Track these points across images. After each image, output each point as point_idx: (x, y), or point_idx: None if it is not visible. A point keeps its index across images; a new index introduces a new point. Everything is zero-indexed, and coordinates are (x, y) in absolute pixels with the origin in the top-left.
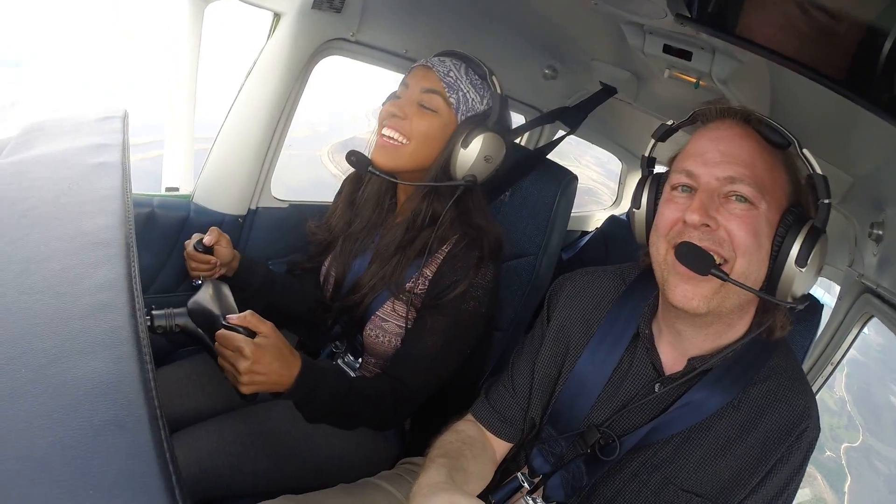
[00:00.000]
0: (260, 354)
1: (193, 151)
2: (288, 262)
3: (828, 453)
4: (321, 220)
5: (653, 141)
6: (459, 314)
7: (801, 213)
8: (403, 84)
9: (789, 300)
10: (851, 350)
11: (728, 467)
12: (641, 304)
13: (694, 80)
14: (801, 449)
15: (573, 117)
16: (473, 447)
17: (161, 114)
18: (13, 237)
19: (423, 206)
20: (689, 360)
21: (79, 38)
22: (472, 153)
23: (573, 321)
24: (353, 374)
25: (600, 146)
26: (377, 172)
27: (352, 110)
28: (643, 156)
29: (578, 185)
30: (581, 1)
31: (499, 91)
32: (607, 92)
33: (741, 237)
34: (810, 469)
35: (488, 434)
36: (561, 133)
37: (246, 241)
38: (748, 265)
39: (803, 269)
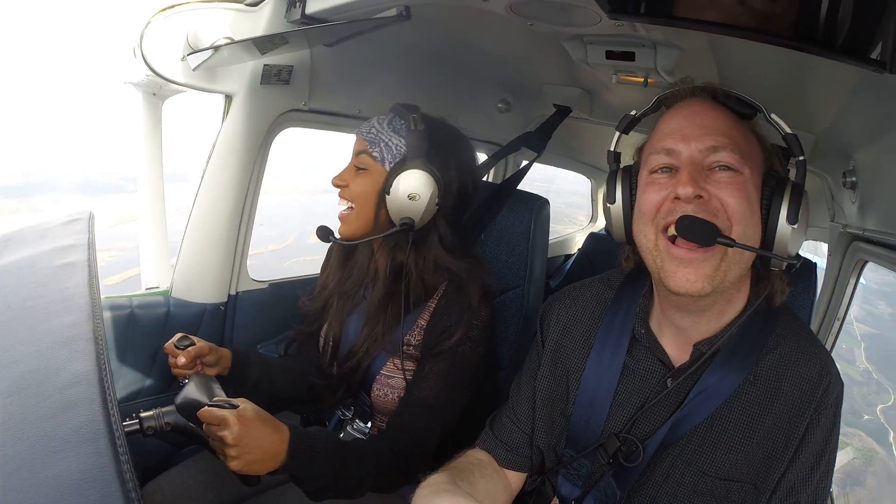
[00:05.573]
0: (244, 421)
1: (168, 246)
2: (284, 339)
3: (866, 417)
4: (311, 293)
5: (617, 134)
6: (456, 357)
7: (780, 176)
8: None
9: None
10: (865, 325)
11: (760, 445)
12: (633, 306)
13: (641, 80)
14: (829, 406)
15: (536, 141)
16: (483, 469)
17: None
18: None
19: (389, 261)
20: (694, 345)
21: None
22: (395, 197)
23: (569, 338)
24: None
25: (567, 168)
26: (338, 241)
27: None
28: (609, 151)
29: None
30: (518, 28)
31: (414, 126)
32: (562, 112)
33: (734, 203)
34: (853, 430)
35: (497, 464)
36: (526, 162)
37: (231, 328)
38: (744, 231)
39: (795, 227)
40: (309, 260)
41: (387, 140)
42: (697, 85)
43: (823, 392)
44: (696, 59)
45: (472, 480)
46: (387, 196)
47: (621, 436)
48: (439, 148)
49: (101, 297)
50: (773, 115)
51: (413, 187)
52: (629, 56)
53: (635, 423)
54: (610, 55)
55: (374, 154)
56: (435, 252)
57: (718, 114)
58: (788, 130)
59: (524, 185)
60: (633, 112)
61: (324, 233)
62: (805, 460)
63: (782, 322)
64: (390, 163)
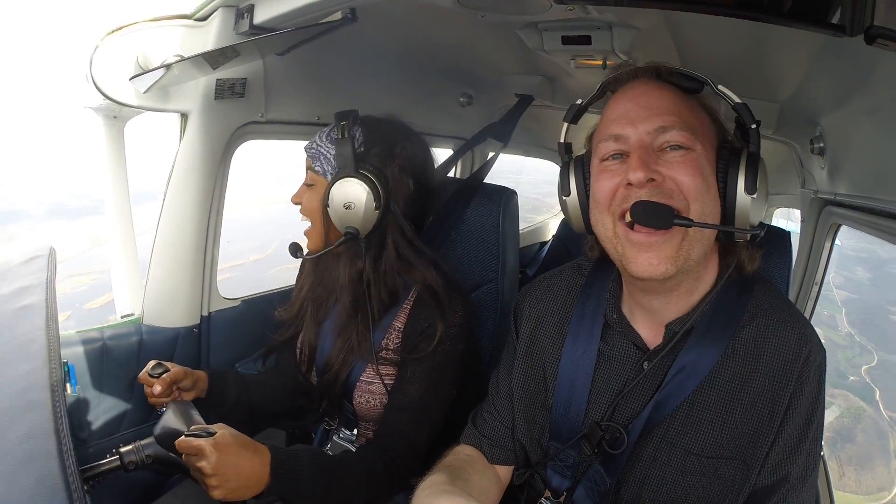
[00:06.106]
0: (221, 448)
1: (139, 269)
2: (262, 354)
3: (852, 378)
4: (286, 303)
5: (565, 125)
6: (437, 357)
7: (733, 147)
8: None
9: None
10: (845, 291)
11: (744, 418)
12: (603, 292)
13: (600, 63)
14: (811, 375)
15: (502, 131)
16: (474, 464)
17: None
18: None
19: (350, 270)
20: (666, 326)
21: None
22: (334, 209)
23: (542, 330)
24: (352, 448)
25: (535, 156)
26: (305, 256)
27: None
28: (559, 143)
29: None
30: (472, 21)
31: (341, 134)
32: (525, 101)
33: (688, 181)
34: (840, 391)
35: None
36: (492, 153)
37: (207, 350)
38: (702, 207)
39: (754, 196)
40: (292, 269)
41: (325, 152)
42: (640, 66)
43: (804, 361)
44: (653, 38)
45: (467, 478)
46: (327, 209)
47: (603, 423)
48: (379, 148)
49: (73, 331)
50: (720, 87)
51: (347, 196)
52: (585, 40)
53: (616, 409)
54: (566, 40)
55: (317, 169)
56: (392, 257)
57: (664, 93)
58: (737, 100)
59: (493, 181)
60: (578, 101)
61: (294, 249)
62: (792, 431)
63: (758, 293)
64: (330, 174)
